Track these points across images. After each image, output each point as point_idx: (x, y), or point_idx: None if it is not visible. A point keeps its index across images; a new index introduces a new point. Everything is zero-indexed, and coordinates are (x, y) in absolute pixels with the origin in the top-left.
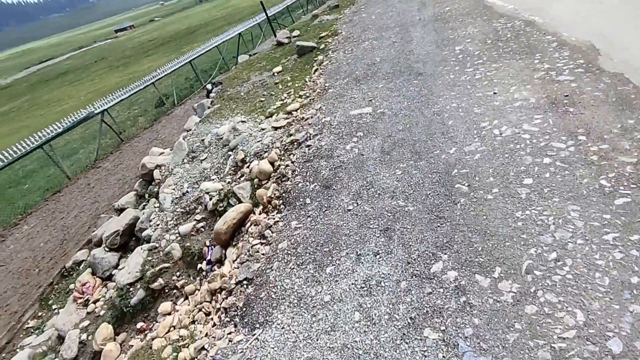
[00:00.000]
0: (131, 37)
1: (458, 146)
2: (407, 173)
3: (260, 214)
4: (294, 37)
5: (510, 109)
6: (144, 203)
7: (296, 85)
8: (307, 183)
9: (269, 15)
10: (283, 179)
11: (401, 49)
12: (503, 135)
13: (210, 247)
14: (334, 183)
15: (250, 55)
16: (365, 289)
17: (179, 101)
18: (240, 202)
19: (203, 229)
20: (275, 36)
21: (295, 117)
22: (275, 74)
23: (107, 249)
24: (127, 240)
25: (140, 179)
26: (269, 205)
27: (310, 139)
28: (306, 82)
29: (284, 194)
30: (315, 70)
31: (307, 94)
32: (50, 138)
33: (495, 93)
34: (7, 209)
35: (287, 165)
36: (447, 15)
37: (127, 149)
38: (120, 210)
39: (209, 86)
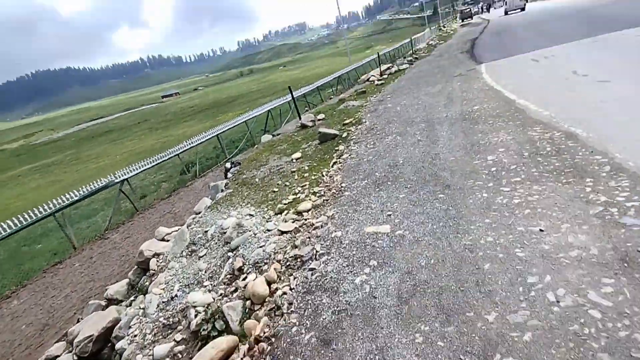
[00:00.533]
0: (175, 103)
1: (499, 311)
2: (431, 344)
3: (244, 356)
4: (319, 120)
5: (566, 260)
6: (131, 298)
7: (312, 177)
8: (303, 330)
9: (296, 95)
10: (277, 313)
11: (426, 150)
12: (561, 305)
13: None
14: (335, 338)
15: (273, 136)
16: None
17: (201, 172)
18: (227, 326)
19: (181, 356)
20: (300, 118)
21: (305, 220)
22: (294, 161)
23: (75, 357)
24: (101, 347)
25: (136, 267)
26: (256, 347)
27: (315, 259)
28: (323, 175)
29: (273, 339)
30: (334, 164)
31: (322, 192)
32: (60, 208)
33: (541, 230)
34: (9, 273)
35: (285, 293)
36: (476, 115)
37: (140, 220)
38: (109, 301)
39: (227, 164)
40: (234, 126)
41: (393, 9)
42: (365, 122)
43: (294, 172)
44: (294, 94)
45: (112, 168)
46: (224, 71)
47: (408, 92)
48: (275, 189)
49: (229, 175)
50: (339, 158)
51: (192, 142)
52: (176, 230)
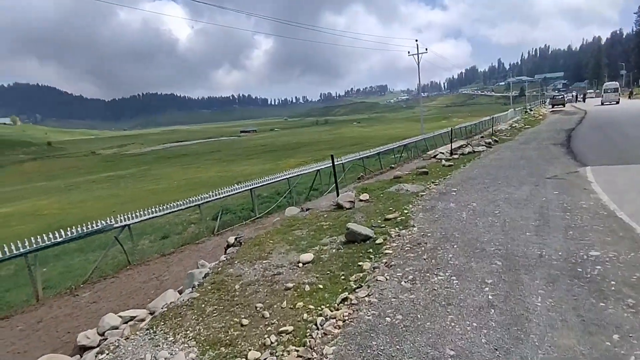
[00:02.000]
0: (249, 139)
1: None
2: None
3: None
4: (360, 201)
5: None
6: None
7: (303, 316)
8: None
9: (354, 158)
10: None
11: (501, 340)
12: None
13: None
14: None
15: (302, 210)
16: None
17: (220, 229)
18: None
19: None
20: (338, 194)
21: None
22: (300, 266)
23: None
24: None
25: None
26: None
27: None
28: (325, 317)
29: None
30: (343, 301)
31: (310, 348)
32: (35, 249)
33: None
34: None
35: None
36: (598, 273)
37: (125, 278)
38: None
39: (231, 238)
40: (273, 182)
41: (477, 84)
42: (414, 226)
43: (288, 290)
44: (352, 156)
45: (162, 194)
46: (302, 118)
47: (482, 188)
48: (246, 321)
49: (225, 255)
50: (354, 292)
51: (221, 193)
52: (120, 324)
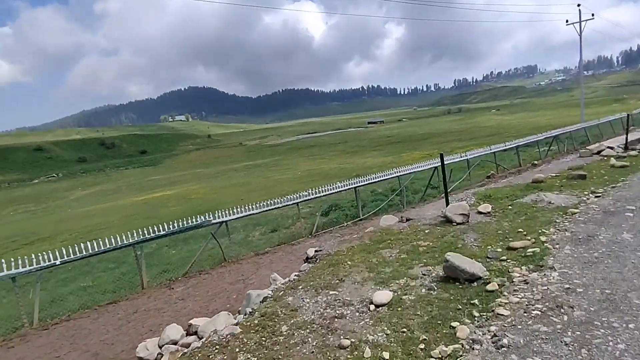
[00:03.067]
0: (376, 130)
1: None
2: None
3: None
4: (479, 213)
5: None
6: None
7: None
8: None
9: (484, 153)
10: None
11: None
12: None
13: None
14: None
15: (401, 219)
16: None
17: (319, 229)
18: None
19: None
20: (448, 203)
21: None
22: (371, 309)
23: None
24: None
25: None
26: None
27: None
28: None
29: None
30: None
31: None
32: (138, 241)
33: None
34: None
35: None
36: None
37: (216, 275)
38: None
39: (311, 250)
40: (379, 181)
41: None
42: (553, 268)
43: (342, 350)
44: (480, 151)
45: (286, 183)
46: (433, 107)
47: None
48: None
49: (297, 273)
50: None
51: (323, 191)
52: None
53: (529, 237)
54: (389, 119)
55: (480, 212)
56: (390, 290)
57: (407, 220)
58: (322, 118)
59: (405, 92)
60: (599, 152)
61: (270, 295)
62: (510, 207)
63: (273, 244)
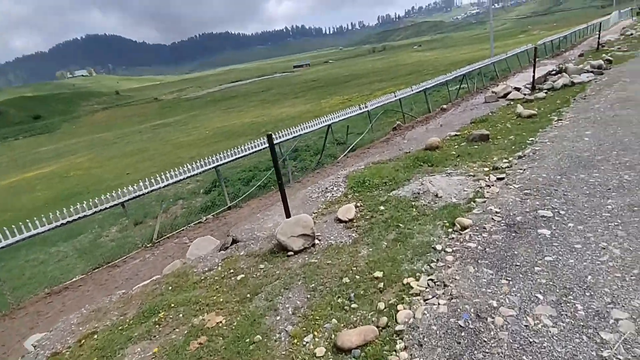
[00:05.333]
0: (301, 74)
1: None
2: None
3: None
4: (338, 223)
5: None
6: None
7: None
8: None
9: (389, 102)
10: None
11: None
12: None
13: None
14: None
15: (223, 246)
16: None
17: (162, 235)
18: None
19: None
20: (288, 214)
21: None
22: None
23: None
24: None
25: None
26: None
27: None
28: None
29: None
30: None
31: None
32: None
33: None
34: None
35: None
36: None
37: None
38: None
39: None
40: (242, 156)
41: None
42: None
43: None
44: (382, 100)
45: (186, 148)
46: (359, 46)
47: (621, 207)
48: None
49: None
50: None
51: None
52: None
53: (382, 307)
54: (315, 61)
55: (339, 221)
56: None
57: (233, 243)
58: (246, 64)
59: (331, 32)
60: (505, 96)
61: None
62: (382, 207)
63: (122, 251)
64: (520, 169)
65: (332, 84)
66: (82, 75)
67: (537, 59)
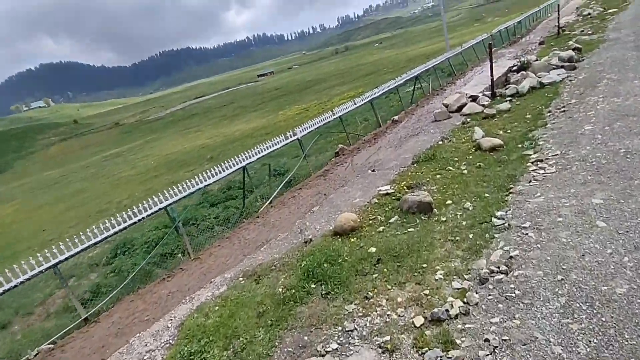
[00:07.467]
0: (265, 83)
1: None
2: None
3: None
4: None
5: None
6: None
7: None
8: None
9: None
10: None
11: None
12: None
13: None
14: None
15: None
16: None
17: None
18: None
19: None
20: None
21: None
22: None
23: None
24: None
25: None
26: None
27: None
28: None
29: None
30: None
31: None
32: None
33: None
34: None
35: None
36: None
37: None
38: None
39: None
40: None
41: None
42: None
43: None
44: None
45: (124, 186)
46: (322, 49)
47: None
48: None
49: None
50: None
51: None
52: None
53: None
54: (279, 68)
55: None
56: None
57: None
58: (211, 78)
59: (293, 37)
60: (459, 109)
61: None
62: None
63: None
64: (485, 326)
65: (294, 91)
66: (39, 107)
67: (493, 49)
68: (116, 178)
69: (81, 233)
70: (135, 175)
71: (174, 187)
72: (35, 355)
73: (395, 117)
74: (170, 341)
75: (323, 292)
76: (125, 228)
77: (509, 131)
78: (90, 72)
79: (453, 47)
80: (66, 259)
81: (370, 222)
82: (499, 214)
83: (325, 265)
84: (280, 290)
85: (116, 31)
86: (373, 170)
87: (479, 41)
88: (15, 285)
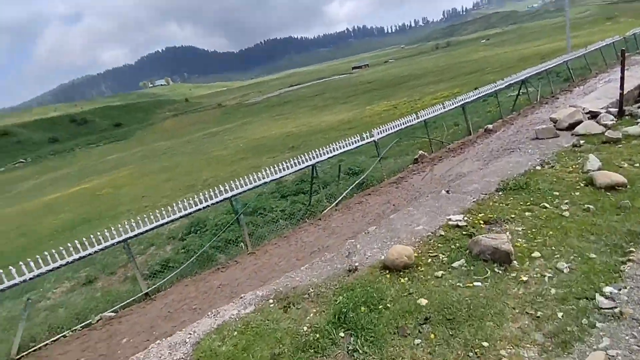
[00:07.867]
0: (359, 75)
1: None
2: None
3: None
4: None
5: None
6: None
7: None
8: None
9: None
10: None
11: None
12: None
13: None
14: None
15: None
16: None
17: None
18: None
19: None
20: None
21: None
22: None
23: None
24: None
25: None
26: None
27: None
28: None
29: None
30: None
31: None
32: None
33: None
34: None
35: None
36: None
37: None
38: None
39: None
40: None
41: None
42: None
43: None
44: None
45: (213, 165)
46: (422, 43)
47: None
48: None
49: None
50: None
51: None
52: None
53: None
54: (375, 61)
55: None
56: None
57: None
58: (308, 67)
59: (393, 30)
60: (572, 127)
61: None
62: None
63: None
64: None
65: (386, 86)
66: (161, 85)
67: (626, 54)
68: (210, 156)
69: (157, 211)
70: (226, 155)
71: (253, 173)
72: (97, 321)
73: (490, 126)
74: (183, 359)
75: (350, 348)
76: (188, 214)
77: (637, 165)
78: (204, 56)
79: (575, 47)
80: (135, 235)
81: (430, 260)
82: (607, 290)
83: (362, 308)
84: (304, 329)
85: (230, 19)
86: (447, 192)
87: (609, 43)
88: (90, 254)
